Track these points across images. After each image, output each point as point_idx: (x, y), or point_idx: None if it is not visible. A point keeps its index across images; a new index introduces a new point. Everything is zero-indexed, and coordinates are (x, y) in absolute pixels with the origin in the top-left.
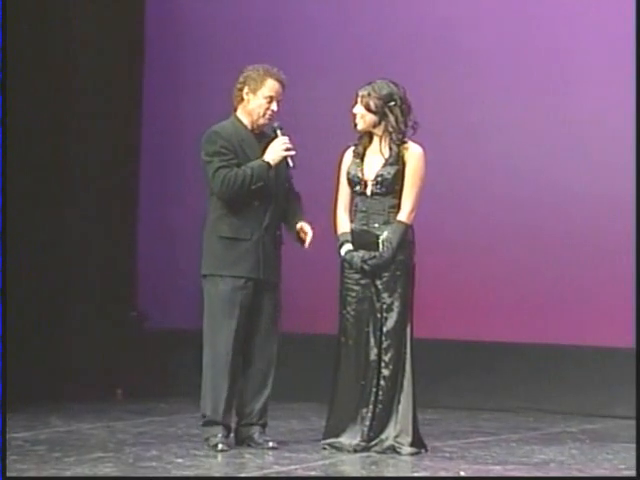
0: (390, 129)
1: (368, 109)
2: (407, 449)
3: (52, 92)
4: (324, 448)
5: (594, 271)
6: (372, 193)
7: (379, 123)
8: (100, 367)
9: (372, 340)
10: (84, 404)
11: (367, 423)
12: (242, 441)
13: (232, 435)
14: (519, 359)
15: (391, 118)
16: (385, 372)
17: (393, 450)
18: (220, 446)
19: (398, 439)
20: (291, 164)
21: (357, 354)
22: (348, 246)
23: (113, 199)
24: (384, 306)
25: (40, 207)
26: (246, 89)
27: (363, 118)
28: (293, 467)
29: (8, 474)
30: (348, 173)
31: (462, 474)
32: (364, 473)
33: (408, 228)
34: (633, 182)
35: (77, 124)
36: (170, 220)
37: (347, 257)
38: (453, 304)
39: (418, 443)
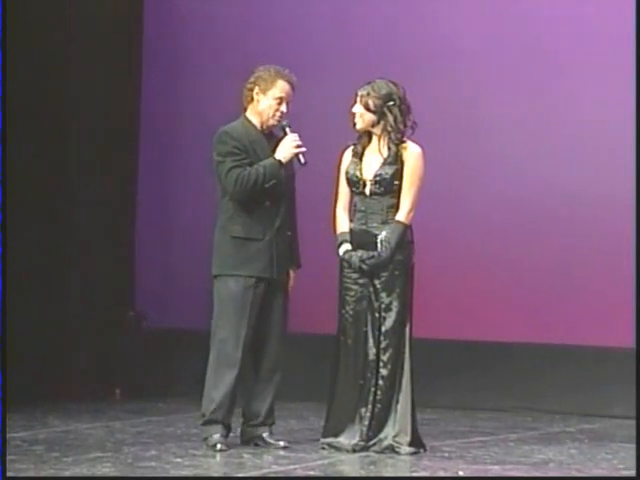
0: (389, 129)
1: (367, 108)
2: (406, 449)
3: (51, 92)
4: (323, 448)
5: (594, 271)
6: (371, 193)
7: (378, 123)
8: (98, 367)
9: (371, 340)
10: (82, 404)
11: (366, 423)
12: (248, 441)
13: (231, 435)
14: (518, 359)
15: (390, 118)
16: (384, 372)
17: (392, 450)
18: (219, 446)
19: (397, 439)
20: (302, 160)
21: (356, 354)
22: (347, 246)
23: (112, 199)
24: (382, 306)
25: (40, 207)
26: (256, 89)
27: (362, 117)
28: (292, 467)
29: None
30: (347, 172)
31: (461, 474)
32: (363, 473)
33: (407, 228)
34: (633, 182)
35: (77, 124)
36: (168, 220)
37: (346, 257)
38: (452, 304)
39: (417, 443)
